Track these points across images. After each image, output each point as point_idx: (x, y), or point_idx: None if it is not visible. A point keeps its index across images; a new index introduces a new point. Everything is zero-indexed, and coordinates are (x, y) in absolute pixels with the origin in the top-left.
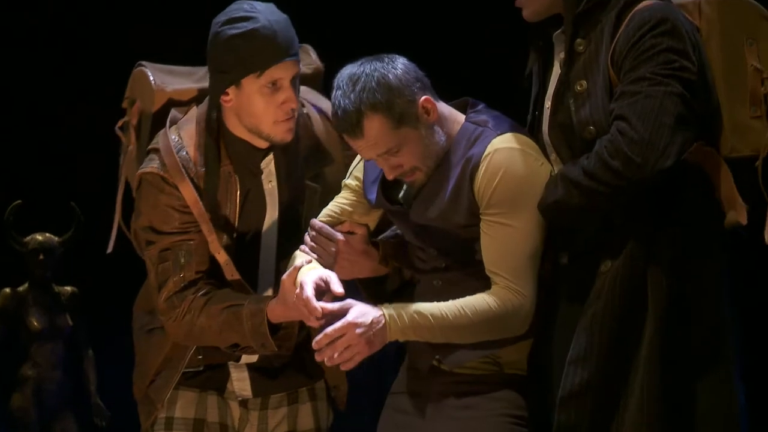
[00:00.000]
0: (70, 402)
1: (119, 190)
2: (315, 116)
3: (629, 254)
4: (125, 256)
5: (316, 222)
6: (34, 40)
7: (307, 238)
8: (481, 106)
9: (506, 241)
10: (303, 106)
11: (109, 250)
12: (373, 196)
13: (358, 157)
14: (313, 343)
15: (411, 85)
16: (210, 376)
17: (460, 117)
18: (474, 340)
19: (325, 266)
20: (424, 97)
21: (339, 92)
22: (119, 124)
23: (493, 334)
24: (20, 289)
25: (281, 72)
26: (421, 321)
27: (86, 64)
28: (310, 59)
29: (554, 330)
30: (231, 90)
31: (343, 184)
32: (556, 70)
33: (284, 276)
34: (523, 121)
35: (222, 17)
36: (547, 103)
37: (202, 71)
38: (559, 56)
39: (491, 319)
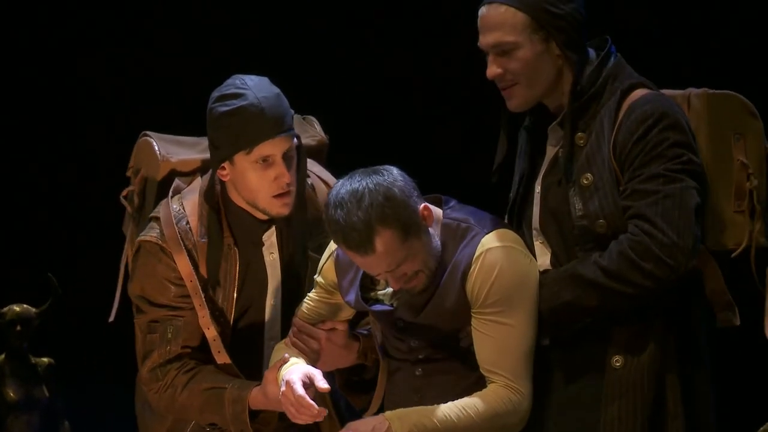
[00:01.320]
0: None
1: (123, 259)
2: (320, 187)
3: (653, 351)
4: (105, 327)
5: (298, 321)
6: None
7: (290, 334)
8: (453, 203)
9: (504, 340)
10: (308, 177)
11: (111, 318)
12: (351, 298)
13: (327, 253)
14: None
15: (412, 195)
16: None
17: (439, 212)
18: None
19: (308, 362)
20: (423, 205)
21: (342, 210)
22: (124, 193)
23: (492, 430)
24: None
25: (271, 148)
26: (425, 422)
27: (65, 131)
28: (314, 131)
29: (544, 412)
30: (226, 165)
31: (315, 281)
32: (549, 157)
33: (267, 371)
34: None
35: (215, 93)
36: (537, 188)
37: (207, 141)
38: (552, 145)
39: (493, 417)
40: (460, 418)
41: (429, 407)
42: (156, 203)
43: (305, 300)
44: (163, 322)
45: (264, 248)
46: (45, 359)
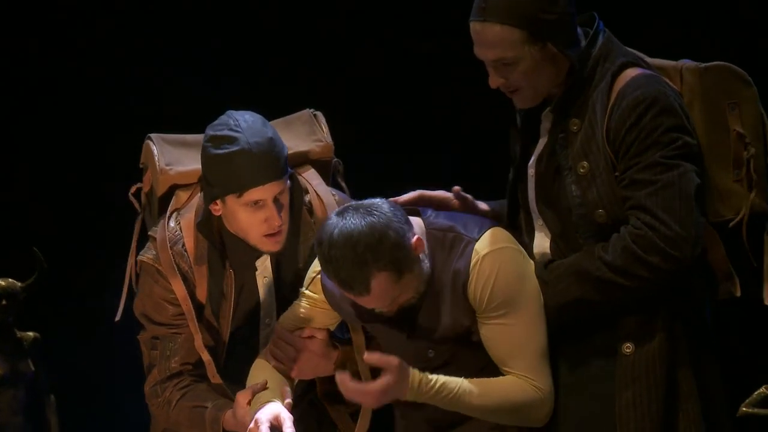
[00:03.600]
0: None
1: (130, 259)
2: (317, 203)
3: (662, 334)
4: (88, 302)
5: (278, 327)
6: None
7: (270, 342)
8: (430, 211)
9: (514, 341)
10: (307, 192)
11: (117, 318)
12: (349, 314)
13: (314, 269)
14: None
15: (405, 231)
16: None
17: (420, 224)
18: (492, 421)
19: (286, 369)
20: (414, 238)
21: (336, 252)
22: (132, 190)
23: (514, 420)
24: None
25: (262, 193)
26: (446, 388)
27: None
28: (321, 133)
29: (557, 402)
30: (218, 202)
31: (301, 292)
32: (544, 142)
33: (239, 392)
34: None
35: (209, 131)
36: (531, 171)
37: None
38: (546, 129)
39: (520, 405)
40: (484, 394)
41: (450, 378)
42: (159, 211)
43: (290, 307)
44: (163, 339)
45: (257, 272)
46: (30, 333)
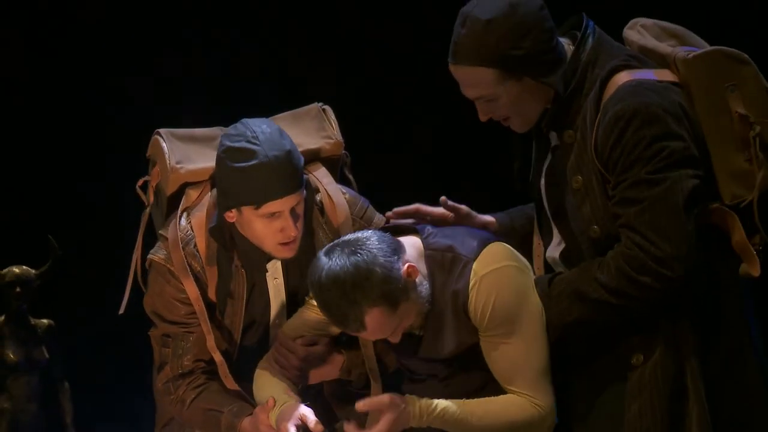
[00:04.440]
0: None
1: (138, 242)
2: (327, 203)
3: (669, 344)
4: (102, 288)
5: (280, 334)
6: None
7: (272, 349)
8: (428, 228)
9: (514, 358)
10: (317, 191)
11: (121, 311)
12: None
13: None
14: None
15: (393, 264)
16: None
17: (419, 243)
18: None
19: (290, 376)
20: (405, 267)
21: (326, 295)
22: (140, 183)
23: None
24: None
25: (279, 206)
26: (447, 413)
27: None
28: (331, 130)
29: (570, 413)
30: (233, 211)
31: (306, 300)
32: (548, 156)
33: (258, 408)
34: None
35: (226, 141)
36: (542, 180)
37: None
38: (550, 143)
39: (519, 425)
40: (480, 417)
41: (451, 401)
42: (168, 208)
43: (295, 314)
44: (175, 337)
45: (268, 274)
46: (45, 321)
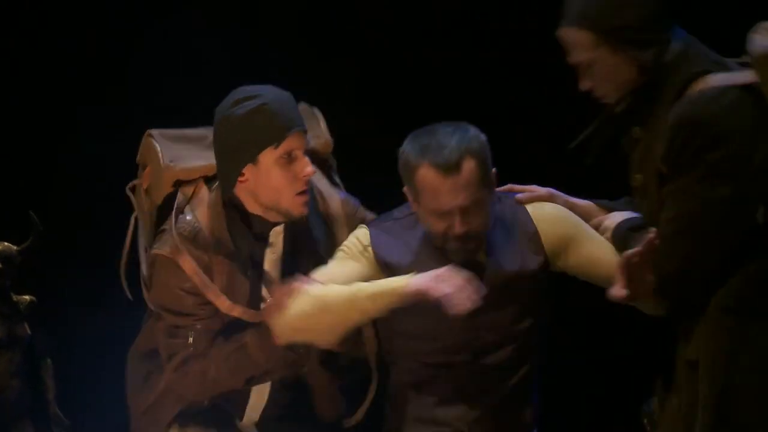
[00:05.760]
0: (29, 411)
1: (125, 244)
2: (320, 198)
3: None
4: (83, 264)
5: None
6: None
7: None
8: None
9: (608, 249)
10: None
11: (130, 296)
12: (422, 264)
13: (356, 232)
14: None
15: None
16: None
17: None
18: None
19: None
20: (494, 170)
21: (437, 136)
22: (130, 186)
23: None
24: None
25: (296, 142)
26: None
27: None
28: (319, 129)
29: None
30: (247, 169)
31: (339, 250)
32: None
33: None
34: None
35: (227, 102)
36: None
37: (212, 136)
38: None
39: None
40: None
41: None
42: (162, 207)
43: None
44: (183, 329)
45: (268, 249)
46: (27, 297)
